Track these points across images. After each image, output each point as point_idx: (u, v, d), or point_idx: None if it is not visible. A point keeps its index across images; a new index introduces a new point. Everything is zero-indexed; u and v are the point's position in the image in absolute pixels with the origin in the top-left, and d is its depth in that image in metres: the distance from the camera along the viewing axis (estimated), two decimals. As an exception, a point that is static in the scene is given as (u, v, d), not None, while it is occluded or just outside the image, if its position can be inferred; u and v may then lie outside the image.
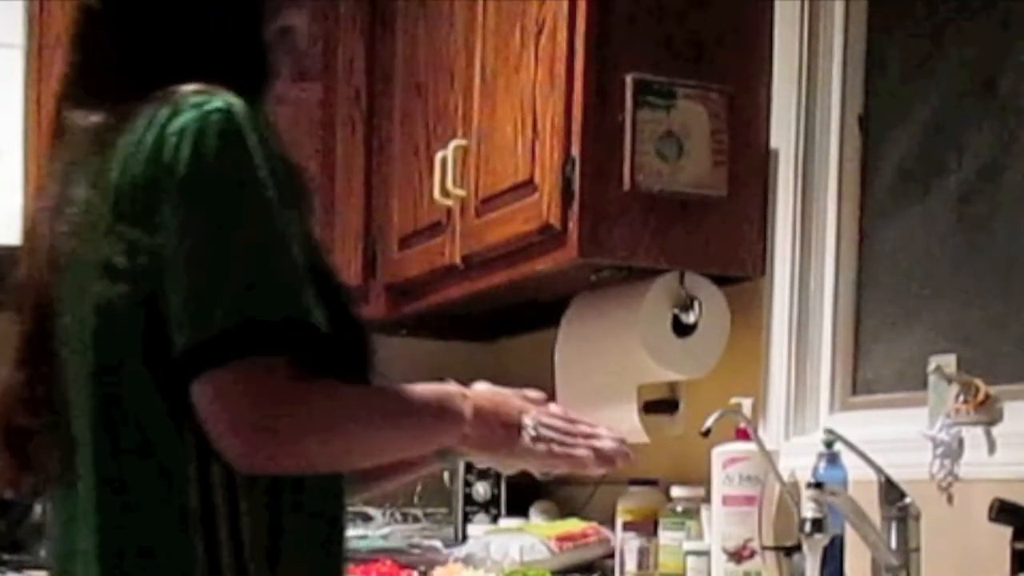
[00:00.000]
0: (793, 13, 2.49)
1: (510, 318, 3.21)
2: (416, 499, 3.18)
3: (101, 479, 1.37)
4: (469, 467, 3.17)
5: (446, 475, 3.11)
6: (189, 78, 1.37)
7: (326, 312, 1.34)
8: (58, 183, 1.45)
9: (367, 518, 3.14)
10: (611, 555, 2.69)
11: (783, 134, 2.49)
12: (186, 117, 1.33)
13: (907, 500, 1.98)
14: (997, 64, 2.18)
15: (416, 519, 3.18)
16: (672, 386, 2.69)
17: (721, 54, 2.48)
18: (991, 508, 1.80)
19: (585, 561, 2.76)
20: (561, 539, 2.74)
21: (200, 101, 1.34)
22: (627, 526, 2.59)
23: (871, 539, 1.97)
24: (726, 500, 2.25)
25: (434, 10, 3.01)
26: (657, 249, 2.42)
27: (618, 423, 2.56)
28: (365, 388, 1.41)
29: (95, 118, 1.43)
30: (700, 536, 2.42)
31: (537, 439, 1.53)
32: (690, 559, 2.39)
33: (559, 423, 1.56)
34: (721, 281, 2.52)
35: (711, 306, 2.50)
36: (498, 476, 3.22)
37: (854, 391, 2.42)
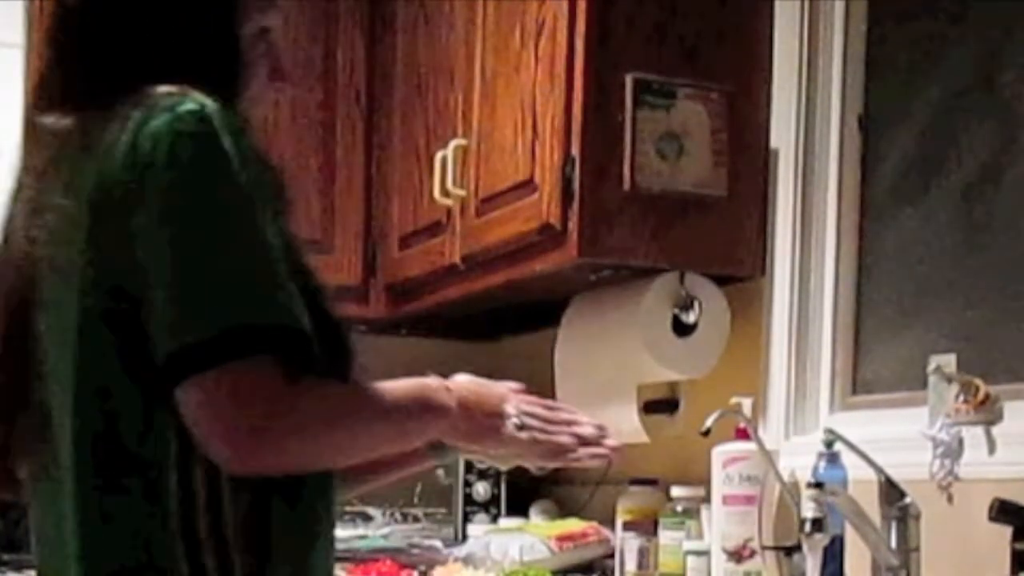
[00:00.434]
0: (793, 13, 2.49)
1: (510, 318, 3.21)
2: (416, 499, 3.18)
3: (82, 482, 1.36)
4: (469, 467, 3.17)
5: (440, 472, 3.10)
6: (163, 79, 1.36)
7: (306, 312, 1.34)
8: (32, 188, 1.43)
9: (367, 518, 3.14)
10: (611, 555, 2.69)
11: (783, 134, 2.49)
12: (160, 120, 1.32)
13: (907, 500, 1.98)
14: (997, 64, 2.18)
15: (416, 519, 3.18)
16: (672, 386, 2.69)
17: (721, 54, 2.48)
18: (991, 508, 1.80)
19: (585, 561, 2.76)
20: (561, 539, 2.74)
21: (173, 103, 1.33)
22: (627, 526, 2.59)
23: (871, 539, 1.97)
24: (726, 500, 2.25)
25: (434, 10, 3.01)
26: (657, 249, 2.42)
27: (618, 423, 2.56)
28: (350, 387, 1.41)
29: (68, 121, 1.42)
30: (700, 536, 2.42)
31: (521, 427, 1.55)
32: (690, 559, 2.39)
33: (540, 410, 1.58)
34: (721, 281, 2.52)
35: (711, 306, 2.50)
36: (498, 476, 3.22)
37: (854, 391, 2.42)
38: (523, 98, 2.57)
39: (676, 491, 2.49)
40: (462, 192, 2.80)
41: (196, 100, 1.33)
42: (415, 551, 3.00)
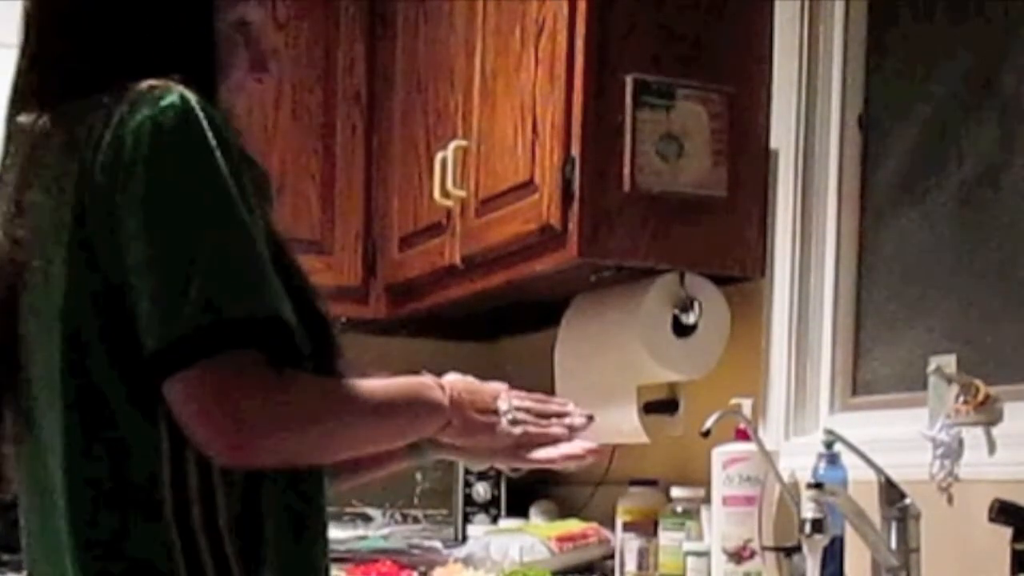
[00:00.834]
0: (793, 13, 2.48)
1: (510, 318, 3.21)
2: (416, 500, 3.17)
3: (72, 478, 1.36)
4: (469, 467, 3.17)
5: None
6: (140, 72, 1.36)
7: (291, 305, 1.34)
8: (13, 188, 1.43)
9: (367, 519, 3.14)
10: (611, 555, 2.69)
11: (783, 134, 2.48)
12: (142, 114, 1.32)
13: (907, 500, 1.98)
14: (997, 64, 2.18)
15: (416, 520, 3.18)
16: (672, 386, 2.69)
17: (721, 54, 2.48)
18: (991, 508, 1.80)
19: (585, 561, 2.76)
20: (561, 539, 2.74)
21: (156, 96, 1.33)
22: (627, 526, 2.59)
23: (871, 539, 1.97)
24: (726, 500, 2.24)
25: (434, 10, 3.01)
26: (657, 249, 2.42)
27: (618, 423, 2.56)
28: (337, 382, 1.41)
29: (46, 119, 1.42)
30: (700, 536, 2.42)
31: (514, 422, 1.56)
32: (690, 559, 2.39)
33: (532, 404, 1.60)
34: (721, 281, 2.52)
35: (711, 306, 2.50)
36: (498, 477, 3.22)
37: (854, 391, 2.42)
38: (523, 98, 2.57)
39: (676, 492, 2.49)
40: (462, 193, 2.80)
41: (179, 94, 1.33)
42: (415, 552, 3.00)
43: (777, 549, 2.10)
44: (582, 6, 2.41)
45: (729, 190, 2.44)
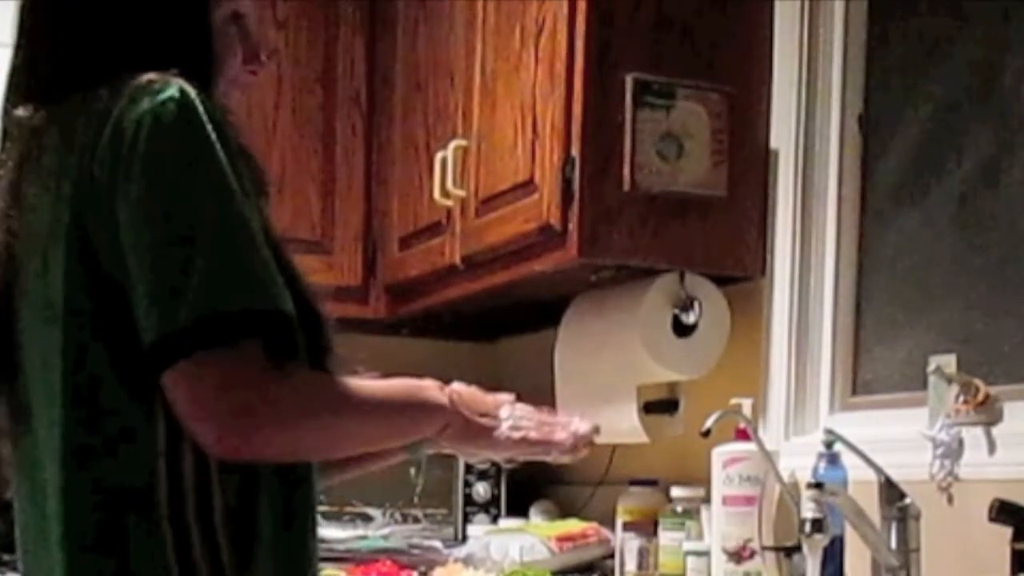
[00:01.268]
0: (793, 13, 2.48)
1: (510, 318, 3.21)
2: (416, 499, 3.17)
3: (69, 469, 1.36)
4: (469, 467, 3.17)
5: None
6: (136, 67, 1.36)
7: (290, 298, 1.35)
8: (10, 182, 1.43)
9: (367, 518, 3.14)
10: (611, 555, 2.69)
11: (783, 134, 2.48)
12: (141, 107, 1.32)
13: (907, 500, 1.98)
14: (997, 64, 2.18)
15: (416, 519, 3.18)
16: (672, 386, 2.69)
17: (721, 54, 2.48)
18: (991, 508, 1.80)
19: (585, 561, 2.76)
20: (561, 539, 2.74)
21: (155, 90, 1.33)
22: (627, 526, 2.59)
23: (871, 539, 1.97)
24: (726, 500, 2.24)
25: (434, 10, 3.01)
26: (657, 249, 2.42)
27: (618, 423, 2.56)
28: (342, 379, 1.41)
29: (43, 113, 1.42)
30: (700, 536, 2.42)
31: (515, 428, 1.57)
32: (690, 559, 2.39)
33: (533, 414, 1.61)
34: (721, 281, 2.52)
35: (711, 306, 2.50)
36: (498, 477, 3.22)
37: (854, 391, 2.42)
38: (523, 98, 2.57)
39: (676, 491, 2.49)
40: (462, 192, 2.80)
41: (178, 87, 1.34)
42: (415, 552, 3.00)
43: (777, 549, 2.10)
44: (582, 6, 2.41)
45: (729, 190, 2.44)
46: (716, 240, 2.46)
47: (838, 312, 2.44)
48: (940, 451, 2.07)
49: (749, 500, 2.19)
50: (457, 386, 1.56)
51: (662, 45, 2.43)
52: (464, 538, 3.10)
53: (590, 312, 2.69)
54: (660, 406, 2.68)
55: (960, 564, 2.01)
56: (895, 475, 2.00)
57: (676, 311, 2.49)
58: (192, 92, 1.34)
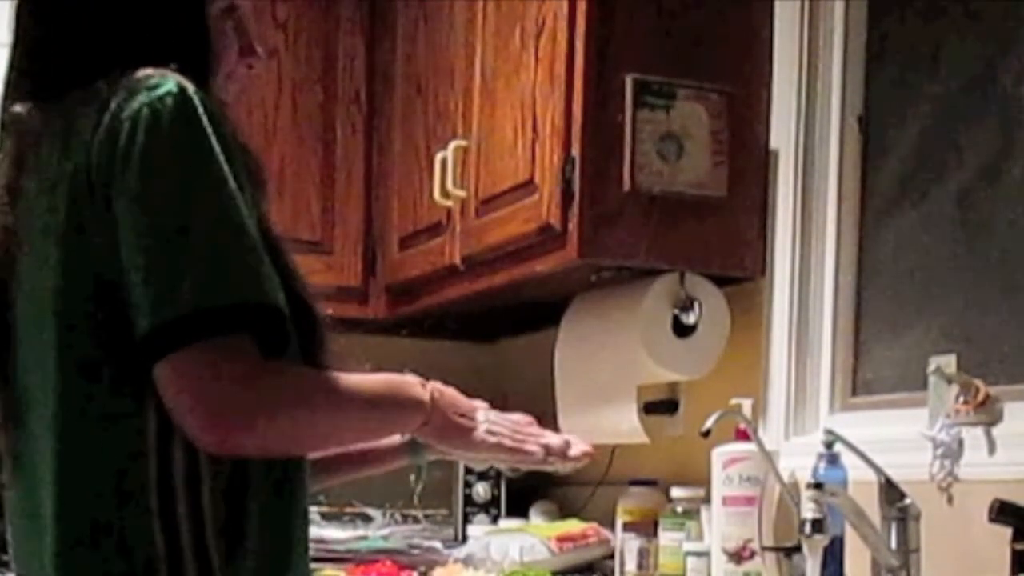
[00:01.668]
0: (793, 13, 2.48)
1: (510, 318, 3.21)
2: (416, 500, 3.17)
3: (62, 460, 1.37)
4: (469, 468, 3.17)
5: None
6: (133, 62, 1.36)
7: (283, 292, 1.35)
8: (7, 177, 1.44)
9: (367, 519, 3.14)
10: (611, 556, 2.69)
11: (783, 134, 2.48)
12: (139, 102, 1.33)
13: (907, 500, 1.98)
14: (997, 64, 2.18)
15: (416, 520, 3.18)
16: (672, 386, 2.69)
17: (721, 54, 2.48)
18: (991, 508, 1.80)
19: (585, 562, 2.76)
20: (561, 539, 2.74)
21: (152, 84, 1.34)
22: (627, 526, 2.59)
23: (871, 539, 1.97)
24: (726, 501, 2.24)
25: (434, 10, 3.01)
26: (657, 249, 2.42)
27: (618, 423, 2.56)
28: (329, 373, 1.41)
29: (42, 108, 1.43)
30: (700, 537, 2.42)
31: (490, 432, 1.58)
32: (690, 560, 2.39)
33: (508, 423, 1.62)
34: (721, 281, 2.52)
35: (711, 306, 2.50)
36: (498, 477, 3.22)
37: (854, 391, 2.42)
38: (523, 98, 2.57)
39: (676, 492, 2.49)
40: (462, 193, 2.80)
41: (175, 82, 1.34)
42: (415, 552, 3.00)
43: (777, 549, 2.10)
44: (582, 6, 2.41)
45: (729, 190, 2.44)
46: (716, 240, 2.46)
47: (838, 312, 2.44)
48: (940, 451, 2.07)
49: (749, 500, 2.19)
50: (438, 384, 1.56)
51: (662, 45, 2.43)
52: (464, 538, 3.10)
53: (590, 312, 2.69)
54: (660, 406, 2.68)
55: (960, 564, 2.01)
56: (895, 475, 2.00)
57: (676, 311, 2.49)
58: (189, 87, 1.34)
